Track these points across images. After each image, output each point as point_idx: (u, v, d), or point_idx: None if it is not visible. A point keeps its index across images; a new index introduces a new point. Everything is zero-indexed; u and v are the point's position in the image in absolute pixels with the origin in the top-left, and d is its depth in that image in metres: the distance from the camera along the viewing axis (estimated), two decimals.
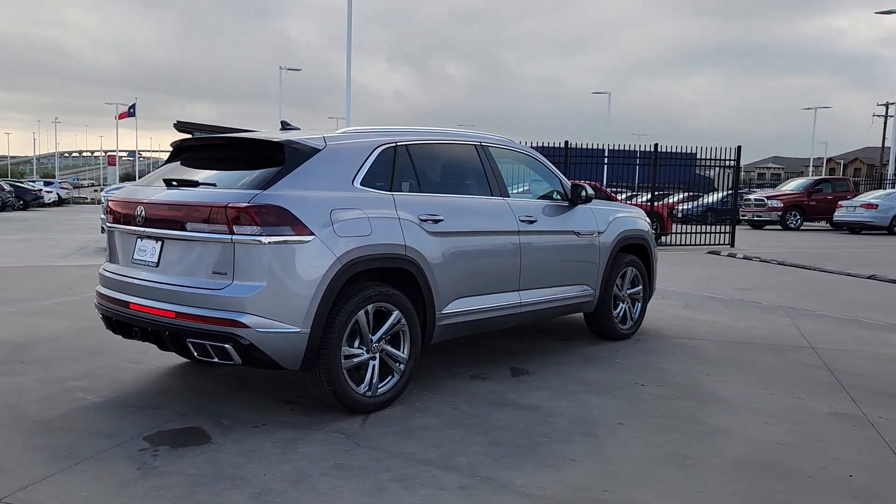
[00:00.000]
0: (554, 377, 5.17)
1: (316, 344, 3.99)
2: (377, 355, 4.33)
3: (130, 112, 62.49)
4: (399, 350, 4.46)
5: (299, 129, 4.96)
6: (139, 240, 4.36)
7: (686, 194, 20.63)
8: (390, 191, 4.50)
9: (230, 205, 3.87)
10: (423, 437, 3.93)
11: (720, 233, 17.08)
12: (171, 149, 4.87)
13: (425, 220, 4.57)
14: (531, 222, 5.35)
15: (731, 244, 16.74)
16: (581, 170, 15.77)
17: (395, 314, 4.38)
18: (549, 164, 5.97)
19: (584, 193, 5.79)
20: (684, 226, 18.26)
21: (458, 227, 4.78)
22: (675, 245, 16.99)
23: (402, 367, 4.47)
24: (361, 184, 4.37)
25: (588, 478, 3.44)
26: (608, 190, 16.59)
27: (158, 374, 5.06)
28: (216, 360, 3.94)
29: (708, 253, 15.36)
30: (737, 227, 17.87)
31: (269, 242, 3.85)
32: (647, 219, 6.90)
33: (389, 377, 4.43)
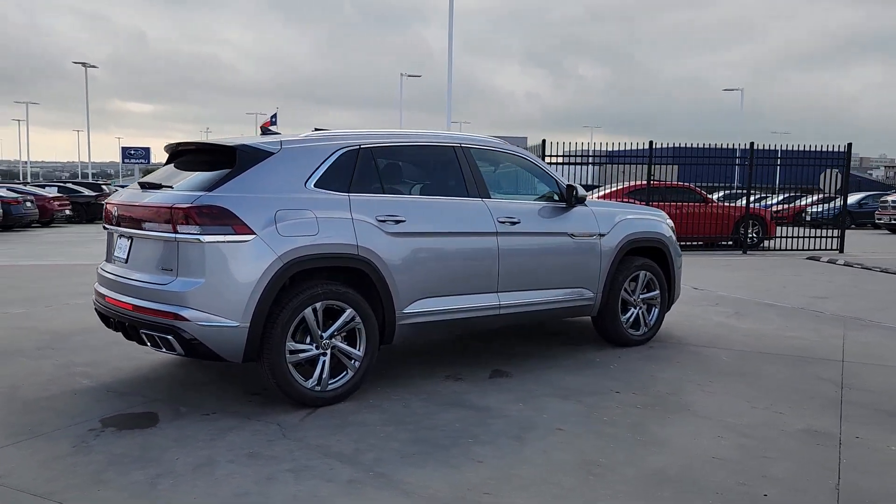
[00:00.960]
0: (531, 381, 5.10)
1: (256, 338, 4.18)
2: (328, 352, 4.47)
3: (272, 121, 66.40)
4: (355, 348, 4.58)
5: (280, 133, 5.18)
6: (118, 238, 4.75)
7: (787, 195, 19.25)
8: (347, 192, 4.62)
9: (174, 206, 4.16)
10: (352, 433, 4.03)
11: (829, 237, 15.85)
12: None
13: (384, 221, 4.66)
14: (513, 224, 5.30)
15: (840, 249, 15.50)
16: (671, 171, 15.17)
17: (349, 312, 4.51)
18: (545, 165, 5.88)
19: (575, 194, 5.66)
20: (805, 229, 16.93)
21: (421, 228, 4.84)
22: (778, 250, 15.95)
23: (356, 364, 4.58)
24: (315, 185, 4.53)
25: (481, 480, 3.41)
26: (703, 192, 15.85)
27: (160, 364, 5.44)
28: (164, 350, 4.24)
29: (807, 259, 14.32)
30: (873, 231, 16.48)
31: (209, 241, 4.10)
32: (669, 222, 6.61)
33: (344, 373, 4.56)
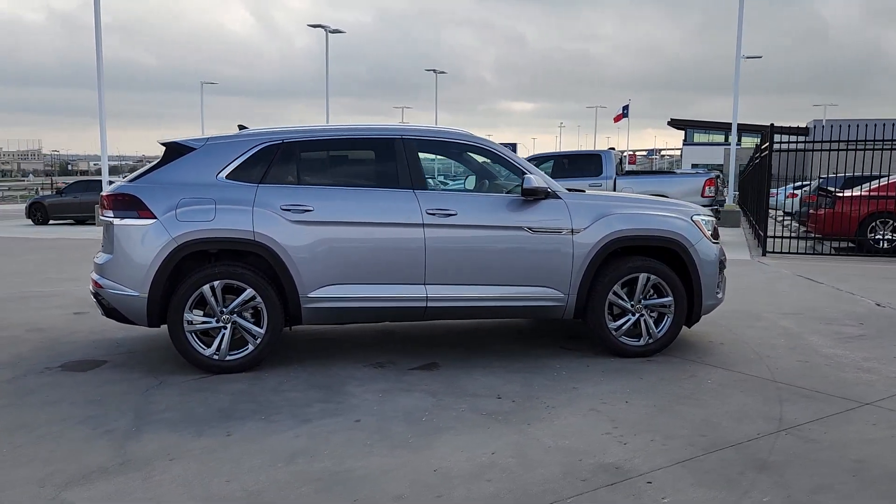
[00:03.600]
0: (443, 377, 4.98)
1: (155, 307, 4.91)
2: (228, 326, 5.00)
3: (624, 113, 66.38)
4: (258, 325, 5.03)
5: (248, 128, 5.76)
6: None
7: None
8: (259, 183, 5.08)
9: (103, 194, 5.08)
10: (190, 397, 4.52)
11: None
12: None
13: (288, 210, 5.01)
14: (446, 216, 5.18)
15: None
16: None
17: (248, 291, 4.98)
18: (513, 156, 5.53)
19: (537, 186, 5.23)
20: None
21: (331, 217, 5.06)
22: None
23: (257, 340, 5.03)
24: (227, 177, 5.08)
25: (202, 449, 3.67)
26: None
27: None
28: (102, 314, 5.19)
29: None
30: None
31: (118, 223, 4.95)
32: (701, 218, 5.64)
33: (246, 347, 5.05)
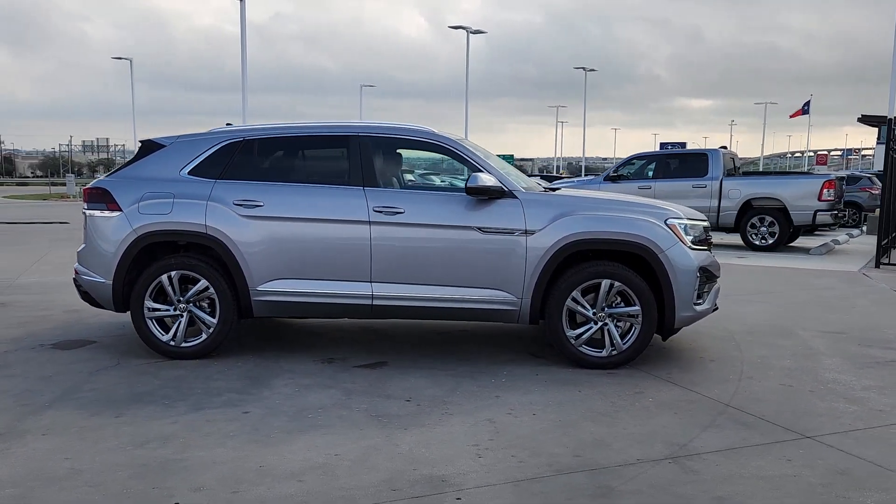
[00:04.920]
0: (376, 376, 4.94)
1: (119, 294, 5.27)
2: (184, 314, 5.26)
3: (804, 110, 61.56)
4: (212, 316, 5.26)
5: (232, 125, 5.99)
6: None
7: None
8: (217, 179, 5.29)
9: (84, 188, 5.52)
10: (126, 379, 4.80)
11: None
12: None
13: (239, 205, 5.19)
14: (394, 213, 5.12)
15: None
16: None
17: (202, 282, 5.22)
18: (473, 155, 5.33)
19: (474, 185, 5.04)
20: None
21: (279, 213, 5.18)
22: None
23: (210, 329, 5.26)
24: (189, 173, 5.34)
25: (80, 428, 3.92)
26: None
27: None
28: (81, 298, 5.63)
29: None
30: None
31: (90, 214, 5.35)
32: (679, 221, 5.16)
33: (201, 335, 5.29)
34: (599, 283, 5.09)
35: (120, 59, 47.17)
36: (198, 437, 3.78)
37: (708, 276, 5.31)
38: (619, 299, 5.14)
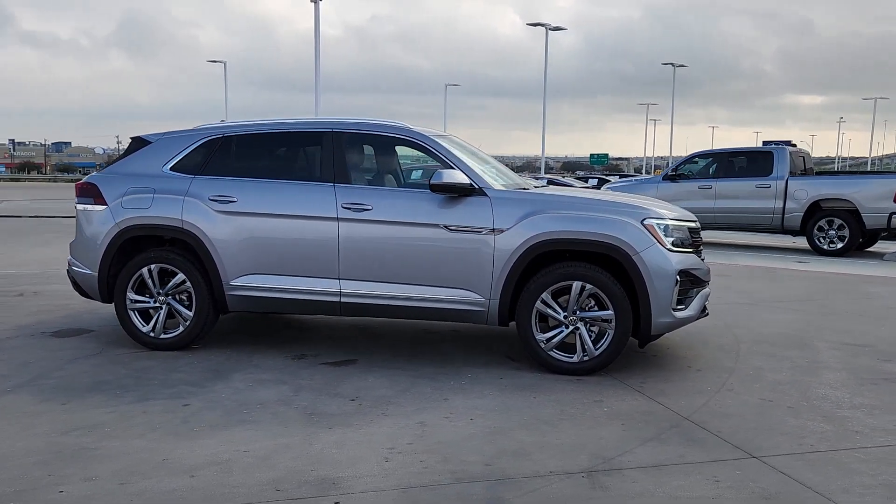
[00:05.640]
0: (337, 374, 4.90)
1: (104, 285, 5.44)
2: (163, 307, 5.39)
3: None
4: (189, 309, 5.35)
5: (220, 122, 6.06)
6: None
7: None
8: (196, 175, 5.38)
9: (76, 183, 5.73)
10: (97, 368, 4.94)
11: None
12: None
13: (215, 200, 5.26)
14: (361, 210, 5.07)
15: None
16: None
17: (179, 276, 5.33)
18: (446, 151, 5.18)
19: (438, 182, 4.90)
20: None
21: (250, 209, 5.22)
22: None
23: (187, 322, 5.35)
24: (171, 169, 5.46)
25: (24, 413, 4.06)
26: None
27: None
28: (73, 288, 5.84)
29: None
30: None
31: (80, 208, 5.55)
32: (637, 220, 4.84)
33: (179, 327, 5.40)
34: (571, 285, 4.87)
35: (215, 62, 49.27)
36: (124, 428, 3.84)
37: (692, 280, 4.99)
38: (592, 303, 4.90)
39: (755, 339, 6.04)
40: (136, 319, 5.42)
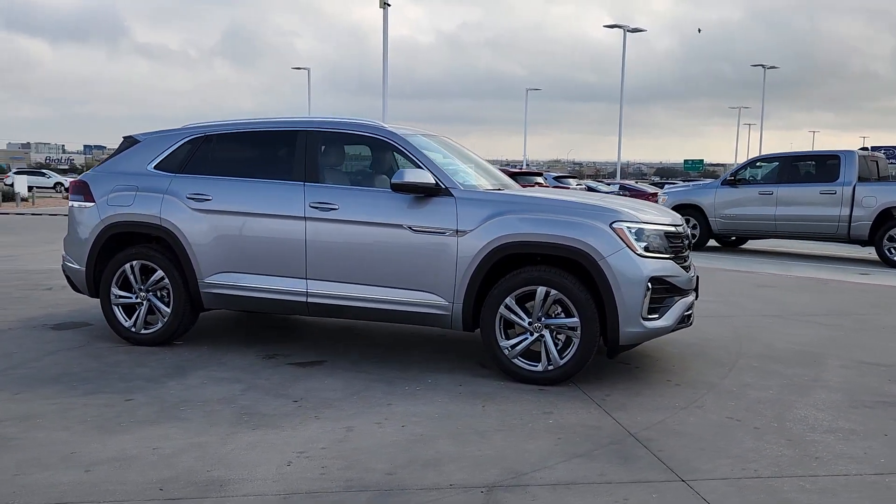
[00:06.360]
0: (296, 374, 4.85)
1: (91, 280, 5.59)
2: (144, 303, 5.49)
3: None
4: (168, 306, 5.44)
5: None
6: None
7: None
8: (177, 173, 5.46)
9: (69, 181, 5.93)
10: (72, 361, 5.06)
11: None
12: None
13: (191, 198, 5.33)
14: (328, 209, 5.01)
15: None
16: None
17: (158, 273, 5.42)
18: (417, 152, 5.02)
19: (398, 181, 4.77)
20: None
21: (224, 207, 5.25)
22: None
23: (165, 318, 5.44)
24: (155, 167, 5.56)
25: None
26: None
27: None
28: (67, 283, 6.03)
29: None
30: None
31: (72, 205, 5.74)
32: (606, 223, 4.56)
33: (158, 323, 5.49)
34: (535, 291, 4.65)
35: (299, 69, 50.60)
36: (56, 420, 3.91)
37: (667, 288, 4.67)
38: (559, 309, 4.66)
39: (761, 353, 5.63)
40: (120, 314, 5.54)
